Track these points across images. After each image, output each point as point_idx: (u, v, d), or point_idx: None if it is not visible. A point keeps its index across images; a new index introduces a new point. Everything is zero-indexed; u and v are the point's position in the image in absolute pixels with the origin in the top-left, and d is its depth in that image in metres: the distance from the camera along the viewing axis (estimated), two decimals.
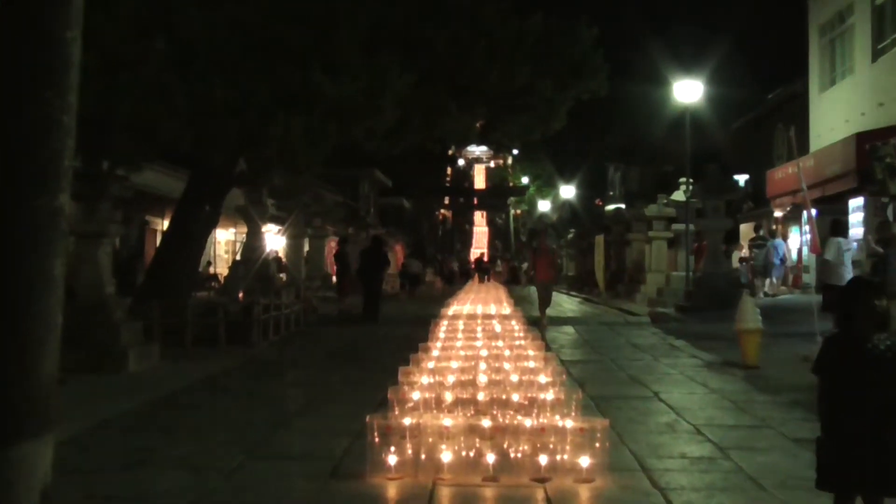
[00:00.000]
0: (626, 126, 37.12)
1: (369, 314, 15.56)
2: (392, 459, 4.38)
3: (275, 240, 20.94)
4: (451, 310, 13.08)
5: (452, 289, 30.36)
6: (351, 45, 10.38)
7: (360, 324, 15.35)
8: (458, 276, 40.73)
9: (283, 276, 19.34)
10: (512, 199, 64.92)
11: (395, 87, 10.78)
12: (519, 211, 68.74)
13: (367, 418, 4.60)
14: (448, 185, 69.31)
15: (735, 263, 19.78)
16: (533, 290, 17.15)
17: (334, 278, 22.01)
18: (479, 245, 69.32)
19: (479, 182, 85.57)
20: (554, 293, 17.72)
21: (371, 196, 38.89)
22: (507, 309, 14.20)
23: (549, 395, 5.19)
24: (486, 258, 49.56)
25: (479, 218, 78.47)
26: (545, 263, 14.67)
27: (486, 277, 37.68)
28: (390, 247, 25.51)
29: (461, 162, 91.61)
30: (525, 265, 38.35)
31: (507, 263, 39.93)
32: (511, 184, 68.18)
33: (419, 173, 47.17)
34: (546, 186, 54.32)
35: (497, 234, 72.53)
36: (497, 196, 65.28)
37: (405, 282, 26.22)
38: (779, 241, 19.52)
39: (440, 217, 68.42)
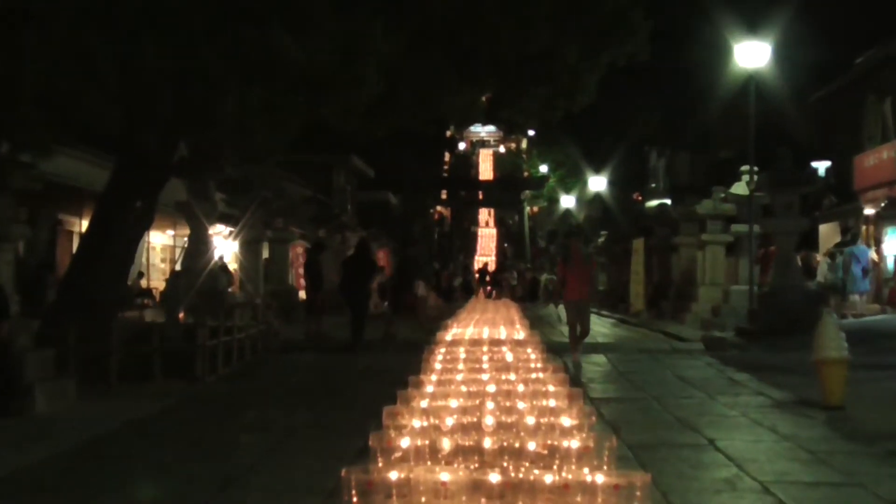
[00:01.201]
0: (672, 100, 37.16)
1: (358, 338, 15.79)
2: None
3: (225, 245, 21.07)
4: (451, 333, 13.07)
5: (452, 307, 30.30)
6: None
7: (333, 351, 15.34)
8: (460, 290, 40.76)
9: (235, 289, 19.35)
10: (527, 193, 65.24)
11: (379, 52, 10.83)
12: (536, 208, 69.01)
13: (343, 472, 4.54)
14: (446, 175, 69.88)
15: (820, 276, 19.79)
16: (557, 309, 16.60)
17: (302, 294, 22.02)
18: (486, 251, 69.71)
19: (486, 172, 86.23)
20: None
21: (348, 190, 39.00)
22: (520, 332, 14.21)
23: (575, 443, 5.14)
24: (491, 267, 49.82)
25: (486, 217, 79.35)
26: (579, 276, 13.34)
27: (492, 292, 37.68)
28: (373, 254, 25.94)
29: (463, 146, 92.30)
30: (545, 277, 38.31)
31: (526, 275, 39.92)
32: (526, 174, 68.91)
33: (409, 161, 47.88)
34: (570, 177, 54.46)
35: (508, 237, 72.98)
36: (508, 189, 65.76)
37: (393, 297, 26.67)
38: (861, 247, 19.58)
39: (436, 216, 68.98)
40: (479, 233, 76.90)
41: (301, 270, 32.01)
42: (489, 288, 39.47)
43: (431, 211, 65.58)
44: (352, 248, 19.64)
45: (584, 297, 13.46)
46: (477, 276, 44.84)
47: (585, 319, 13.60)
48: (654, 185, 43.14)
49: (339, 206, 35.21)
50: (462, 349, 10.25)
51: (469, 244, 73.34)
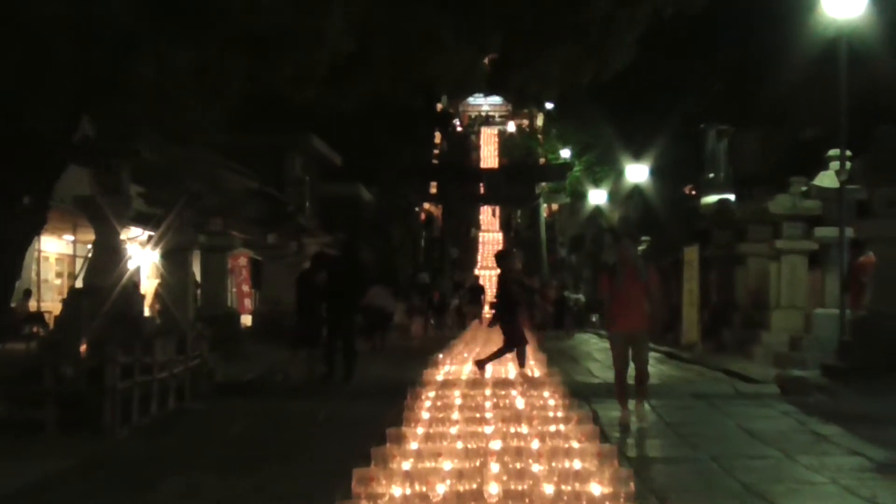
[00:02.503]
0: (736, 64, 36.86)
1: (351, 372, 16.31)
2: None
3: (143, 254, 20.88)
4: (442, 372, 12.97)
5: (443, 336, 30.23)
6: None
7: (288, 396, 15.33)
8: (454, 314, 40.79)
9: (152, 312, 19.01)
10: (543, 186, 64.54)
11: None
12: (555, 206, 68.48)
13: None
14: (436, 163, 69.08)
15: None
16: (588, 340, 16.40)
17: (247, 318, 21.63)
18: (490, 261, 68.73)
19: (489, 158, 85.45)
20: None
21: (307, 181, 39.26)
22: (535, 370, 14.13)
23: None
24: (481, 280, 49.87)
25: (490, 218, 78.70)
26: (631, 296, 12.17)
27: (478, 313, 38.20)
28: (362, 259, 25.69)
29: (459, 124, 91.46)
30: (571, 295, 37.79)
31: (548, 293, 39.55)
32: (542, 160, 68.34)
33: (388, 144, 48.19)
34: (601, 164, 54.29)
35: (518, 244, 72.08)
36: (519, 181, 65.04)
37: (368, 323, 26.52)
38: None
39: (423, 216, 69.11)
40: (481, 238, 76.18)
41: (246, 288, 32.84)
42: (493, 311, 38.93)
43: (417, 210, 65.16)
44: (309, 259, 19.45)
45: (638, 326, 12.20)
46: (457, 294, 44.61)
47: (641, 359, 12.36)
48: (711, 175, 42.31)
49: (294, 203, 35.31)
50: (457, 393, 10.20)
51: (467, 253, 72.75)
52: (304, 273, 17.80)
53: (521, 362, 15.48)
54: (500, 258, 17.44)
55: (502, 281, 16.26)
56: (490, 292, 57.11)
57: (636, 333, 12.18)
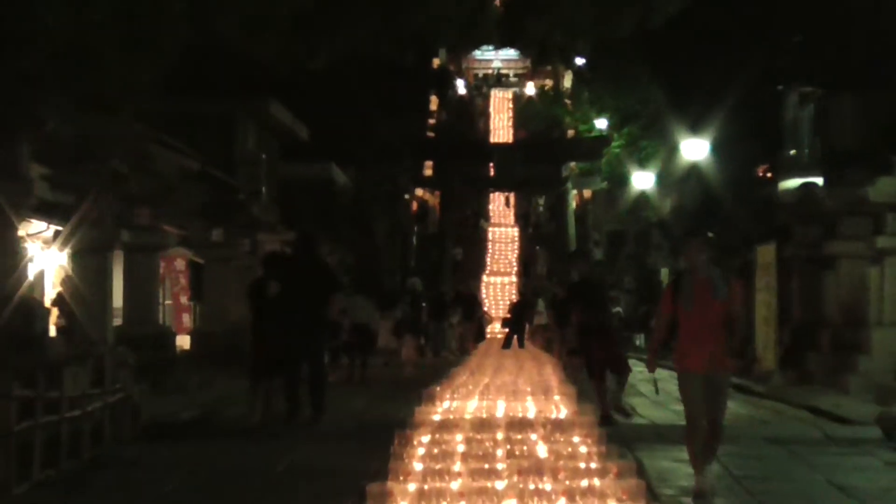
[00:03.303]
0: (825, 7, 36.52)
1: (320, 406, 16.54)
2: None
3: (48, 255, 20.64)
4: (440, 409, 12.91)
5: (442, 361, 31.17)
6: None
7: (243, 439, 15.42)
8: (458, 333, 40.88)
9: (59, 325, 19.08)
10: (572, 166, 63.62)
11: None
12: (588, 192, 67.53)
13: None
14: (432, 136, 67.62)
15: None
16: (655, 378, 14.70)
17: (183, 339, 21.45)
18: (502, 266, 67.33)
19: (501, 129, 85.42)
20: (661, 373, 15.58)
21: (263, 160, 39.18)
22: (561, 408, 14.10)
23: None
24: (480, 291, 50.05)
25: (502, 208, 76.09)
26: (706, 323, 11.31)
27: (474, 333, 38.98)
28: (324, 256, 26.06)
29: (462, 86, 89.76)
30: (615, 309, 37.66)
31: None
32: (571, 132, 67.41)
33: (369, 112, 48.60)
34: (647, 138, 54.12)
35: (540, 241, 70.39)
36: (540, 159, 63.37)
37: (347, 343, 26.69)
38: None
39: (414, 206, 68.65)
40: (490, 234, 73.66)
41: (184, 299, 32.45)
42: (507, 329, 39.34)
43: (407, 198, 64.32)
44: (260, 262, 19.48)
45: (719, 366, 11.44)
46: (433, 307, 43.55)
47: (717, 408, 11.53)
48: (792, 152, 41.50)
49: (247, 188, 34.82)
50: (460, 437, 10.14)
51: (473, 253, 70.65)
52: (256, 281, 17.81)
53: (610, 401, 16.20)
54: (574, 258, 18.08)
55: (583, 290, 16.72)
56: (489, 304, 59.11)
57: (715, 376, 11.31)
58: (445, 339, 39.23)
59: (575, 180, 66.24)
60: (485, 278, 66.14)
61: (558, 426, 11.70)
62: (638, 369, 22.30)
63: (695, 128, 43.70)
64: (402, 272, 54.97)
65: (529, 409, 14.72)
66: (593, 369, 17.10)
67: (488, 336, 45.76)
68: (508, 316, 41.49)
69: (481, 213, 76.00)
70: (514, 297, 50.00)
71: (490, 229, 74.75)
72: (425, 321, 38.16)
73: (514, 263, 69.90)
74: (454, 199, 68.04)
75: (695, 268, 11.50)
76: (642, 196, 53.61)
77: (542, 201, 78.31)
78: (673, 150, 47.89)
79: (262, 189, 37.97)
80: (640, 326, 42.83)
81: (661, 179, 51.93)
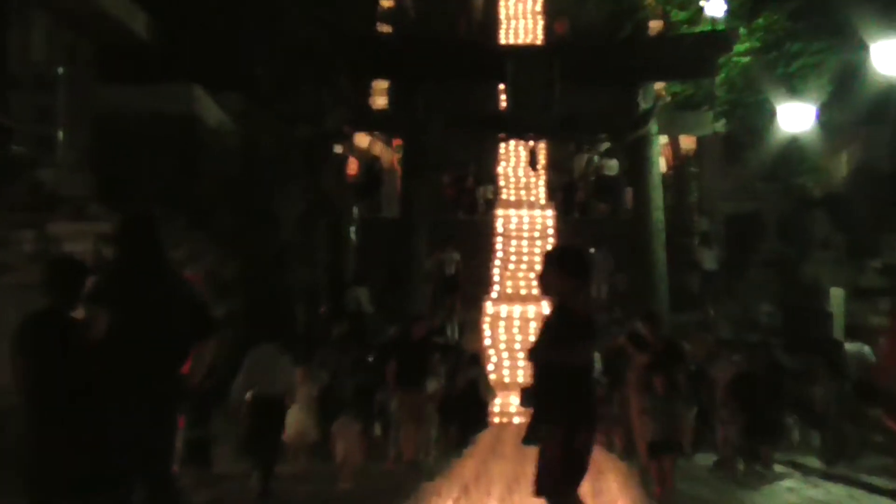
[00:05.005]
0: None
1: None
2: None
3: None
4: None
5: (403, 477, 23.47)
6: None
7: None
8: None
9: None
10: (658, 92, 46.06)
11: None
12: (691, 139, 49.86)
13: None
14: (387, 30, 49.71)
15: None
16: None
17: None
18: (524, 281, 45.66)
19: (521, 21, 60.25)
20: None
21: (62, 77, 32.67)
22: None
23: None
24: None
25: (522, 174, 54.11)
26: None
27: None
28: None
29: None
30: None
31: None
32: (657, 25, 48.89)
33: None
34: (804, 39, 41.48)
35: (594, 233, 49.39)
36: (595, 76, 44.42)
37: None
38: None
39: (354, 166, 50.21)
40: (501, 221, 49.65)
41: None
42: (534, 412, 24.87)
43: (340, 151, 44.63)
44: (52, 272, 13.51)
45: None
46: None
47: None
48: None
49: (27, 133, 29.39)
50: None
51: (467, 258, 48.23)
52: (37, 322, 12.53)
53: None
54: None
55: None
56: (496, 356, 41.46)
57: None
58: (422, 427, 27.65)
59: (665, 118, 44.61)
60: (489, 307, 43.50)
61: None
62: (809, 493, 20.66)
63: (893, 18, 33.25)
64: (332, 289, 40.64)
65: None
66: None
67: (495, 418, 34.61)
68: (531, 382, 24.74)
69: (483, 182, 51.36)
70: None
71: (499, 213, 50.35)
72: (383, 387, 28.21)
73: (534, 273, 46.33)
74: (429, 154, 44.81)
75: None
76: (793, 147, 39.25)
77: (598, 159, 52.44)
78: (854, 59, 36.08)
79: (59, 134, 30.87)
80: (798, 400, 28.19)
81: (831, 117, 38.71)
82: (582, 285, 12.68)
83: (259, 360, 21.21)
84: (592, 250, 40.14)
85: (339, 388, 27.51)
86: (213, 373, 18.90)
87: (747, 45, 41.59)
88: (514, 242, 47.53)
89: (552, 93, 41.13)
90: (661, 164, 44.79)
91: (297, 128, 37.94)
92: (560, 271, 12.45)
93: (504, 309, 41.78)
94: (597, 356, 28.29)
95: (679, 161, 47.77)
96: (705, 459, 24.48)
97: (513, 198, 51.20)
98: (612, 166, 49.32)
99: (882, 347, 17.61)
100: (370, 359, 29.94)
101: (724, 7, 42.63)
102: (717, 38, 40.85)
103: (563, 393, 12.08)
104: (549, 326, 12.42)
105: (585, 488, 14.25)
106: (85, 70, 31.43)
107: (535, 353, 12.52)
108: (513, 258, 46.49)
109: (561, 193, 50.74)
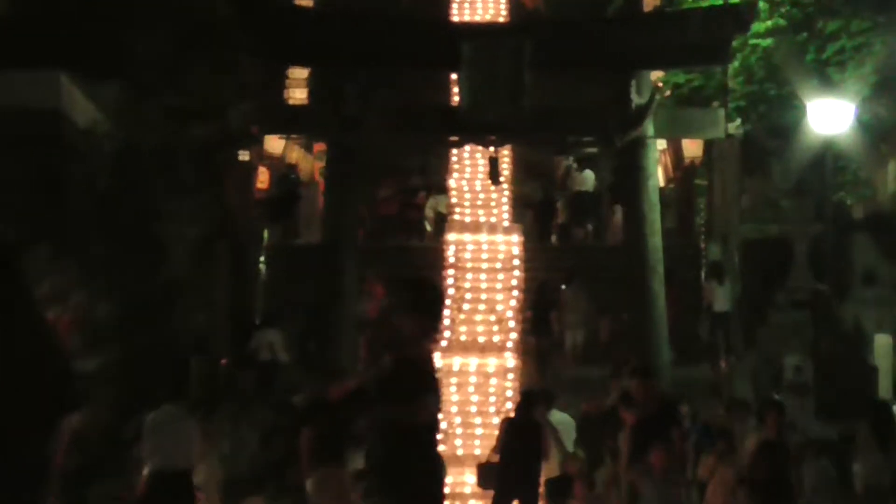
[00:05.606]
0: None
1: None
2: None
3: None
4: None
5: None
6: None
7: None
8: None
9: None
10: (655, 83, 41.02)
11: None
12: (697, 144, 44.20)
13: None
14: (308, 2, 45.18)
15: None
16: None
17: None
18: (483, 326, 41.31)
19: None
20: None
21: None
22: None
23: None
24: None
25: (481, 188, 49.17)
26: None
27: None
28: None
29: None
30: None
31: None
32: (660, 1, 43.17)
33: None
34: (840, 16, 37.81)
35: (575, 263, 45.80)
36: (576, 61, 39.88)
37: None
38: None
39: (264, 176, 45.72)
40: (453, 249, 45.55)
41: None
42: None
43: (247, 158, 41.13)
44: None
45: None
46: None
47: None
48: None
49: None
50: None
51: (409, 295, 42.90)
52: None
53: None
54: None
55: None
56: (447, 425, 34.50)
57: None
58: None
59: (665, 116, 38.44)
60: (439, 359, 39.79)
61: None
62: None
63: None
64: (235, 335, 35.93)
65: None
66: None
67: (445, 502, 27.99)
68: (496, 457, 26.28)
69: (434, 186, 46.47)
70: (511, 412, 29.89)
71: (451, 238, 47.20)
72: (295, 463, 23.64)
73: (513, 321, 40.63)
74: (361, 162, 40.38)
75: None
76: (828, 154, 35.03)
77: (576, 166, 47.05)
78: None
79: None
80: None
81: (875, 116, 35.93)
82: (435, 329, 13.18)
83: (160, 426, 19.63)
84: (563, 287, 37.08)
85: (243, 461, 25.55)
86: (83, 446, 18.62)
87: (769, 23, 37.25)
88: (469, 276, 40.81)
89: (520, 84, 35.82)
90: (660, 176, 39.28)
91: (189, 127, 33.11)
92: (414, 310, 12.19)
93: (457, 361, 35.93)
94: (571, 423, 26.15)
95: (682, 172, 42.73)
96: None
97: (468, 219, 43.98)
98: (586, 179, 44.17)
99: None
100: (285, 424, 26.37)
101: None
102: (731, 15, 34.71)
103: (403, 460, 11.85)
104: (386, 378, 12.29)
105: None
106: None
107: (371, 412, 13.05)
108: (468, 296, 39.86)
109: (532, 213, 45.59)
